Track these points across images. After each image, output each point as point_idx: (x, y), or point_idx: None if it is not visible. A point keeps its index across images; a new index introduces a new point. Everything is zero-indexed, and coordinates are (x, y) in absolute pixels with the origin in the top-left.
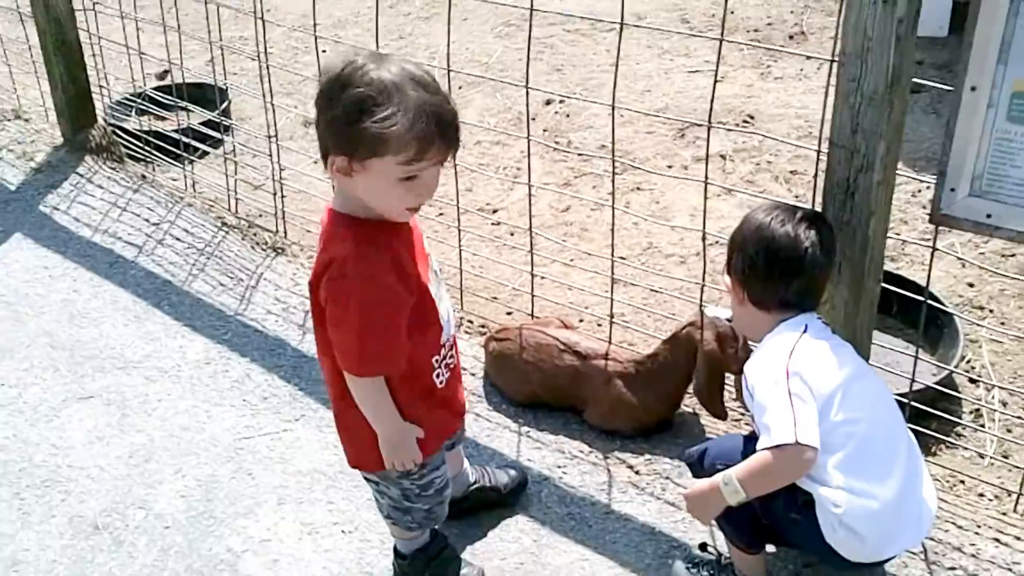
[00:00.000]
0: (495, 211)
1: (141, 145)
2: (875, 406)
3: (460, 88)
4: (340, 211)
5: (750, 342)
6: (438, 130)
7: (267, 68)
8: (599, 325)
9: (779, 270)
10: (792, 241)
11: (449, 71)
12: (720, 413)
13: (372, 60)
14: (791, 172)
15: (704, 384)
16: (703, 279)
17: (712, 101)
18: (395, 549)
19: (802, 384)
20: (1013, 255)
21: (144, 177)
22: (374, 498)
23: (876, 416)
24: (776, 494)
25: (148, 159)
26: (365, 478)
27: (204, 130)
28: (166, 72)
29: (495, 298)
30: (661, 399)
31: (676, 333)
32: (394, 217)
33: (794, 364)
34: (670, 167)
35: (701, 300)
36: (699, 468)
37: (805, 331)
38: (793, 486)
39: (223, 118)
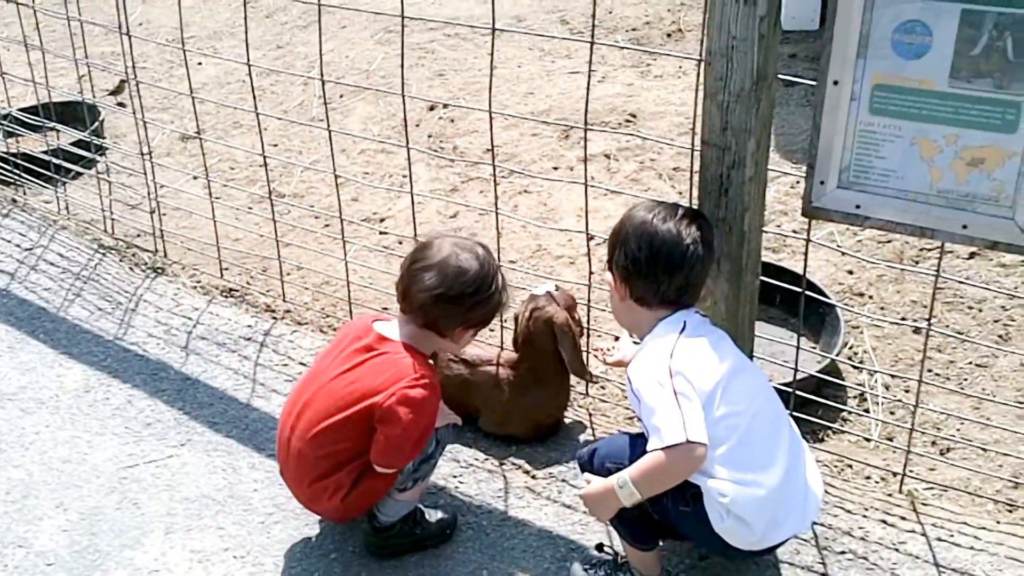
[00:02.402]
0: (382, 220)
1: (10, 168)
2: (755, 397)
3: (342, 97)
4: (415, 346)
5: (634, 337)
6: None
7: (137, 84)
8: (491, 331)
9: (662, 267)
10: (675, 238)
11: (323, 80)
12: (587, 374)
13: (484, 254)
14: (674, 169)
15: (572, 355)
16: (589, 279)
17: (587, 103)
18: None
19: (686, 382)
20: (889, 241)
21: (14, 201)
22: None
23: (756, 407)
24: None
25: (18, 182)
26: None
27: (76, 150)
28: (123, 83)
29: (385, 309)
30: (550, 394)
31: (527, 324)
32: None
33: (676, 364)
34: (556, 168)
35: (589, 300)
36: (590, 468)
37: (683, 329)
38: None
39: (94, 137)
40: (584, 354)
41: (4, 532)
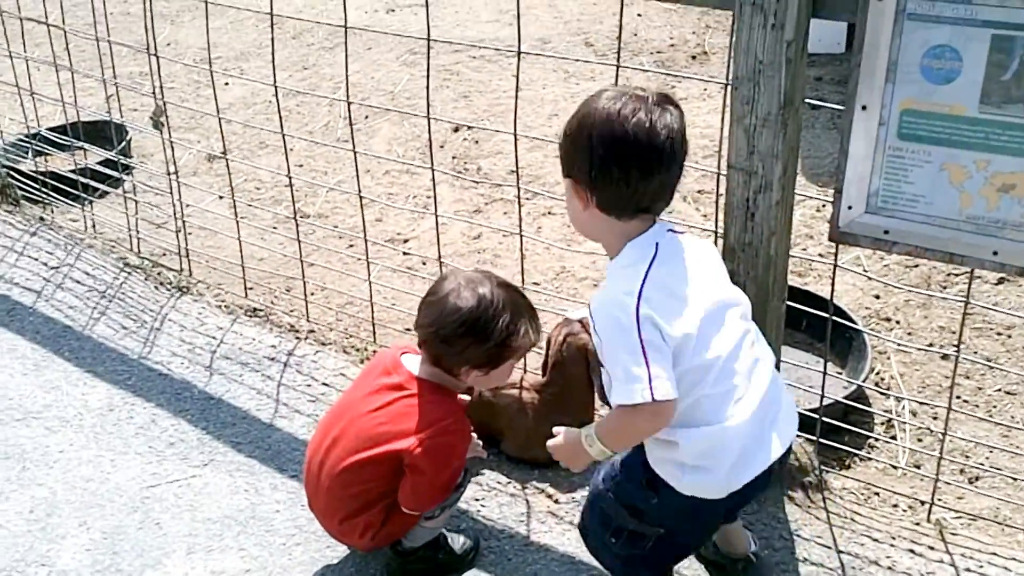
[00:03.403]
0: (406, 241)
1: (37, 186)
2: (727, 340)
3: (367, 118)
4: (432, 380)
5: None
6: None
7: (164, 104)
8: None
9: (637, 168)
10: (648, 133)
11: (349, 102)
12: None
13: (487, 293)
14: (698, 192)
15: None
16: None
17: None
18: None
19: (654, 329)
20: (916, 266)
21: (42, 219)
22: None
23: (730, 348)
24: (624, 487)
25: (45, 201)
26: None
27: (103, 169)
28: (160, 111)
29: (408, 330)
30: (576, 420)
31: (560, 349)
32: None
33: (644, 306)
34: None
35: None
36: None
37: (655, 256)
38: (636, 474)
39: (121, 156)
40: None
41: (27, 551)
